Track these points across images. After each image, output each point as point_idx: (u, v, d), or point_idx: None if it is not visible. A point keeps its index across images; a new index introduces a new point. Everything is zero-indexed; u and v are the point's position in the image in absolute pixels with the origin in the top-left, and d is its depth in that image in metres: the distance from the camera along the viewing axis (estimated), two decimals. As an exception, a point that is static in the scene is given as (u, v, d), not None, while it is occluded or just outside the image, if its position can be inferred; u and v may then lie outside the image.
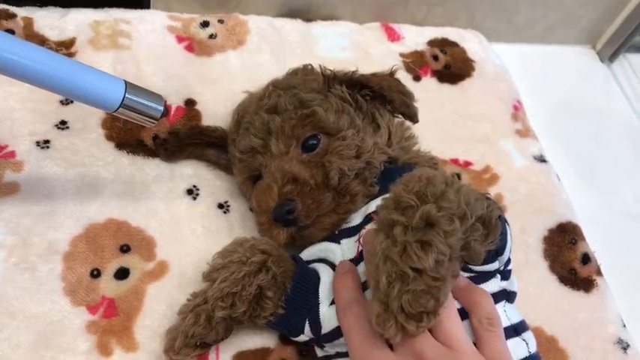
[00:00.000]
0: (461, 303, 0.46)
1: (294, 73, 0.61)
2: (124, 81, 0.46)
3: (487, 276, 0.49)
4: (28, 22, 0.67)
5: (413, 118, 0.57)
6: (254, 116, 0.56)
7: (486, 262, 0.47)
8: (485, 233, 0.44)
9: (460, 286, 0.47)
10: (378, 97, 0.58)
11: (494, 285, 0.49)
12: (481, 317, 0.45)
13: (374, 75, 0.59)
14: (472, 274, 0.48)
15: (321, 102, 0.55)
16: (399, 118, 0.60)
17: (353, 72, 0.59)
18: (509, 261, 0.50)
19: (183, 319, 0.50)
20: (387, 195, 0.44)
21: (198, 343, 0.49)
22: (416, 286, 0.39)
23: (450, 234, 0.40)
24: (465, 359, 0.42)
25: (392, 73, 0.61)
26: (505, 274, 0.50)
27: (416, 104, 0.58)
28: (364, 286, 0.48)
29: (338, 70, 0.59)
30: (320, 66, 0.59)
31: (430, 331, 0.43)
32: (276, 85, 0.58)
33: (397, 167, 0.56)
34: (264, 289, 0.50)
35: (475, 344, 0.44)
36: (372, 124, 0.57)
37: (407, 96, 0.59)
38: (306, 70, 0.61)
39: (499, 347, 0.44)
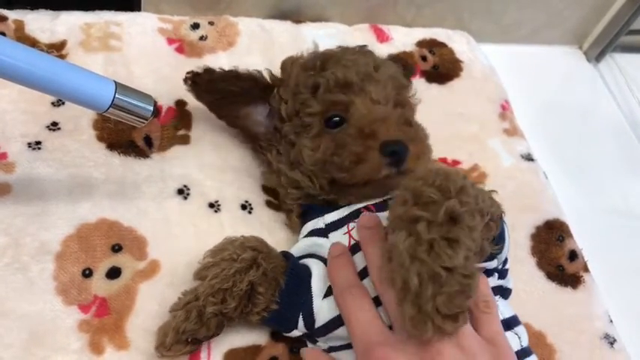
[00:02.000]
0: None
1: (344, 50, 0.61)
2: (114, 81, 0.47)
3: (485, 274, 0.49)
4: (19, 25, 0.68)
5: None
6: (360, 56, 0.57)
7: (485, 259, 0.47)
8: (495, 233, 0.44)
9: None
10: None
11: (490, 282, 0.49)
12: (478, 300, 0.45)
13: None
14: None
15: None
16: None
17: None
18: (506, 260, 0.51)
19: (175, 316, 0.50)
20: (398, 192, 0.43)
21: (189, 339, 0.49)
22: (450, 288, 0.38)
23: (473, 229, 0.40)
24: (463, 339, 0.42)
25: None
26: (502, 273, 0.51)
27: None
28: (360, 275, 0.49)
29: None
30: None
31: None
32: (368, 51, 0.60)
33: None
34: (255, 285, 0.50)
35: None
36: None
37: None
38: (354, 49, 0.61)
39: (495, 328, 0.45)
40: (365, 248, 0.48)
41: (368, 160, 0.51)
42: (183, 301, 0.51)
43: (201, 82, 0.59)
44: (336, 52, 0.59)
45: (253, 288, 0.50)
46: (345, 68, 0.54)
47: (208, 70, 0.60)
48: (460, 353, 0.41)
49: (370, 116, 0.52)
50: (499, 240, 0.47)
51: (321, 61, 0.57)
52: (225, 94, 0.60)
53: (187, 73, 0.60)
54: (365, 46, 0.62)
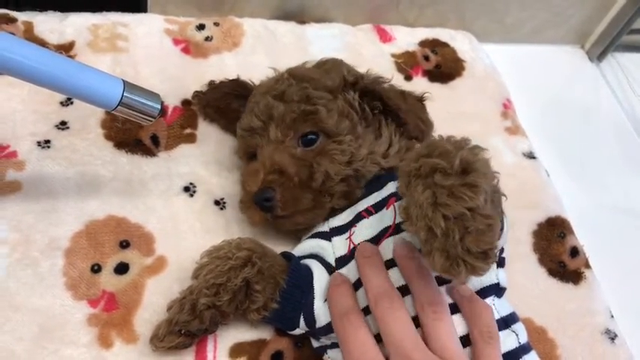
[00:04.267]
0: (463, 312, 0.47)
1: (321, 64, 0.62)
2: (123, 80, 0.48)
3: None
4: (29, 26, 0.69)
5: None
6: (261, 98, 0.57)
7: None
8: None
9: (465, 295, 0.48)
10: (392, 113, 0.58)
11: (489, 272, 0.49)
12: (482, 329, 0.46)
13: (402, 93, 0.61)
14: None
15: (328, 102, 0.56)
16: None
17: (379, 81, 0.60)
18: (502, 249, 0.51)
19: (169, 309, 0.51)
20: (407, 159, 0.44)
21: (182, 331, 0.50)
22: (478, 224, 0.39)
23: (488, 177, 0.41)
24: None
25: (421, 99, 0.63)
26: (501, 262, 0.52)
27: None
28: (355, 287, 0.50)
29: (367, 76, 0.60)
30: (347, 69, 0.60)
31: (425, 342, 0.44)
32: (291, 73, 0.59)
33: (387, 175, 0.57)
34: (251, 282, 0.51)
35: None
36: (375, 131, 0.58)
37: (425, 124, 0.60)
38: (332, 64, 0.61)
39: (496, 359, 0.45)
40: (363, 272, 0.49)
41: (247, 209, 0.57)
42: (179, 297, 0.52)
43: (207, 94, 0.66)
44: (259, 88, 0.61)
45: (250, 286, 0.51)
46: (250, 112, 0.58)
47: (210, 83, 0.67)
48: None
49: (248, 169, 0.57)
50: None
51: (249, 100, 0.61)
52: (225, 99, 0.64)
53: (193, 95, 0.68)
54: (304, 63, 0.63)
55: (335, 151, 0.55)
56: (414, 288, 0.47)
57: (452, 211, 0.40)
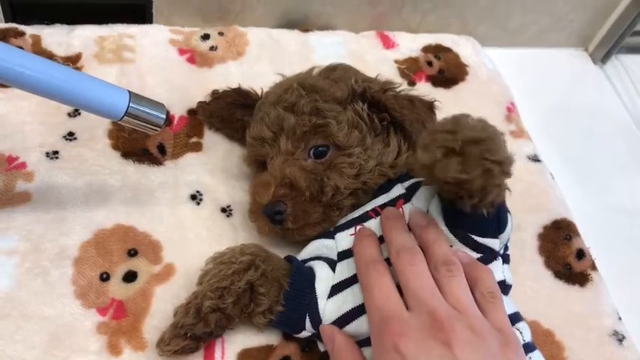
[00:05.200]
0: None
1: (330, 70, 0.62)
2: (128, 91, 0.49)
3: (489, 257, 0.50)
4: (37, 40, 0.70)
5: None
6: (271, 108, 0.58)
7: (488, 234, 0.49)
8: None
9: (464, 261, 0.49)
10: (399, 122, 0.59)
11: (497, 269, 0.51)
12: (484, 290, 0.47)
13: (410, 101, 0.60)
14: (475, 254, 0.50)
15: (338, 114, 0.56)
16: None
17: (386, 89, 0.59)
18: (507, 246, 0.52)
19: (175, 314, 0.52)
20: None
21: (188, 335, 0.50)
22: (494, 145, 0.43)
23: (503, 144, 0.44)
24: (473, 321, 0.44)
25: (431, 106, 0.62)
26: (505, 258, 0.52)
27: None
28: None
29: (376, 83, 0.60)
30: (356, 75, 0.60)
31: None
32: (301, 83, 0.59)
33: (396, 180, 0.58)
34: (255, 285, 0.52)
35: None
36: (384, 140, 0.58)
37: None
38: (341, 72, 0.61)
39: (502, 317, 0.47)
40: (387, 230, 0.51)
41: (257, 219, 0.57)
42: (184, 302, 0.52)
43: (211, 105, 0.67)
44: (267, 96, 0.61)
45: (254, 289, 0.52)
46: (260, 122, 0.58)
47: (213, 93, 0.68)
48: (471, 334, 0.43)
49: (258, 180, 0.57)
50: (503, 223, 0.49)
51: (257, 107, 0.61)
52: (229, 108, 0.65)
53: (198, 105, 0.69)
54: (312, 68, 0.63)
55: (344, 164, 0.55)
56: (429, 252, 0.48)
57: (470, 135, 0.43)
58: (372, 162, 0.56)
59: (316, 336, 0.53)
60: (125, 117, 0.48)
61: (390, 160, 0.57)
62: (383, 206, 0.55)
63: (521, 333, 0.50)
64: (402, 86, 0.62)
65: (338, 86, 0.58)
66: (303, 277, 0.53)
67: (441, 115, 0.63)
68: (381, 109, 0.58)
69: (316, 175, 0.55)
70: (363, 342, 0.49)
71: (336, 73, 0.61)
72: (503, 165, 0.43)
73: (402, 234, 0.50)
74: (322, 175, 0.55)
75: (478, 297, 0.47)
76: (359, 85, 0.59)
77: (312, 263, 0.55)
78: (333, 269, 0.53)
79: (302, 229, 0.55)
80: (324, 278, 0.52)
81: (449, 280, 0.46)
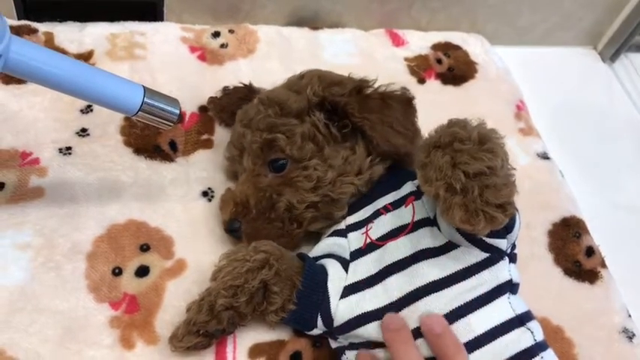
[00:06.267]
0: (433, 351, 0.47)
1: (295, 80, 0.61)
2: (143, 86, 0.49)
3: (496, 257, 0.50)
4: (49, 37, 0.71)
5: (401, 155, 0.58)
6: (238, 126, 0.60)
7: (496, 235, 0.48)
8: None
9: (435, 332, 0.47)
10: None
11: (503, 268, 0.50)
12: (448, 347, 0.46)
13: (382, 100, 0.57)
14: (483, 253, 0.50)
15: (293, 127, 0.56)
16: None
17: (360, 91, 0.57)
18: (514, 245, 0.52)
19: (188, 310, 0.52)
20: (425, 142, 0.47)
21: (200, 332, 0.51)
22: (495, 180, 0.42)
23: (501, 147, 0.44)
24: None
25: (409, 102, 0.59)
26: (512, 257, 0.52)
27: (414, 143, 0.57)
28: (369, 283, 0.51)
29: (345, 85, 0.57)
30: (311, 88, 0.57)
31: None
32: (261, 98, 0.59)
33: (404, 171, 0.58)
34: (269, 284, 0.52)
35: None
36: (351, 147, 0.57)
37: (406, 131, 0.57)
38: (307, 79, 0.60)
39: None
40: (393, 347, 0.48)
41: (225, 231, 0.58)
42: (197, 298, 0.53)
43: (221, 100, 0.68)
44: (238, 114, 0.61)
45: (268, 288, 0.52)
46: (230, 143, 0.61)
47: (223, 89, 0.69)
48: None
49: (224, 197, 0.59)
50: (512, 223, 0.49)
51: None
52: (237, 106, 0.64)
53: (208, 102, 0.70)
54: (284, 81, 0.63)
55: (299, 178, 0.55)
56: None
57: (471, 169, 0.43)
58: (331, 173, 0.56)
59: (327, 333, 0.53)
60: (140, 112, 0.49)
61: (356, 169, 0.57)
62: (394, 204, 0.55)
63: (532, 332, 0.49)
64: (377, 82, 0.60)
65: (296, 98, 0.57)
66: (316, 275, 0.53)
67: (449, 113, 0.63)
68: (342, 116, 0.57)
69: (270, 192, 0.56)
70: (376, 344, 0.50)
71: (302, 81, 0.60)
72: (506, 209, 0.43)
73: (410, 351, 0.47)
74: (275, 190, 0.56)
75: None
76: (316, 94, 0.57)
77: (324, 261, 0.55)
78: (346, 269, 0.53)
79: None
80: (336, 278, 0.53)
81: None
